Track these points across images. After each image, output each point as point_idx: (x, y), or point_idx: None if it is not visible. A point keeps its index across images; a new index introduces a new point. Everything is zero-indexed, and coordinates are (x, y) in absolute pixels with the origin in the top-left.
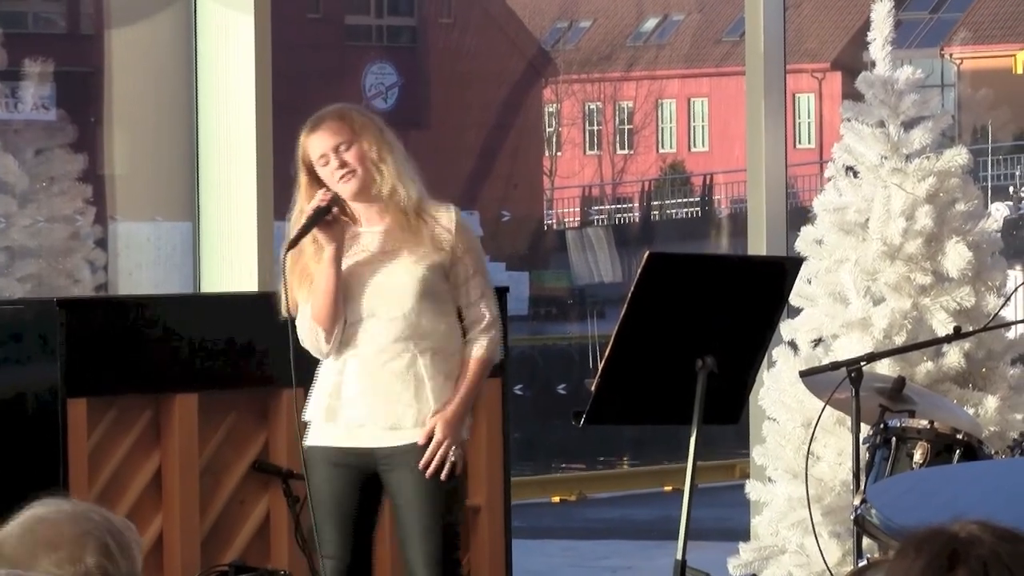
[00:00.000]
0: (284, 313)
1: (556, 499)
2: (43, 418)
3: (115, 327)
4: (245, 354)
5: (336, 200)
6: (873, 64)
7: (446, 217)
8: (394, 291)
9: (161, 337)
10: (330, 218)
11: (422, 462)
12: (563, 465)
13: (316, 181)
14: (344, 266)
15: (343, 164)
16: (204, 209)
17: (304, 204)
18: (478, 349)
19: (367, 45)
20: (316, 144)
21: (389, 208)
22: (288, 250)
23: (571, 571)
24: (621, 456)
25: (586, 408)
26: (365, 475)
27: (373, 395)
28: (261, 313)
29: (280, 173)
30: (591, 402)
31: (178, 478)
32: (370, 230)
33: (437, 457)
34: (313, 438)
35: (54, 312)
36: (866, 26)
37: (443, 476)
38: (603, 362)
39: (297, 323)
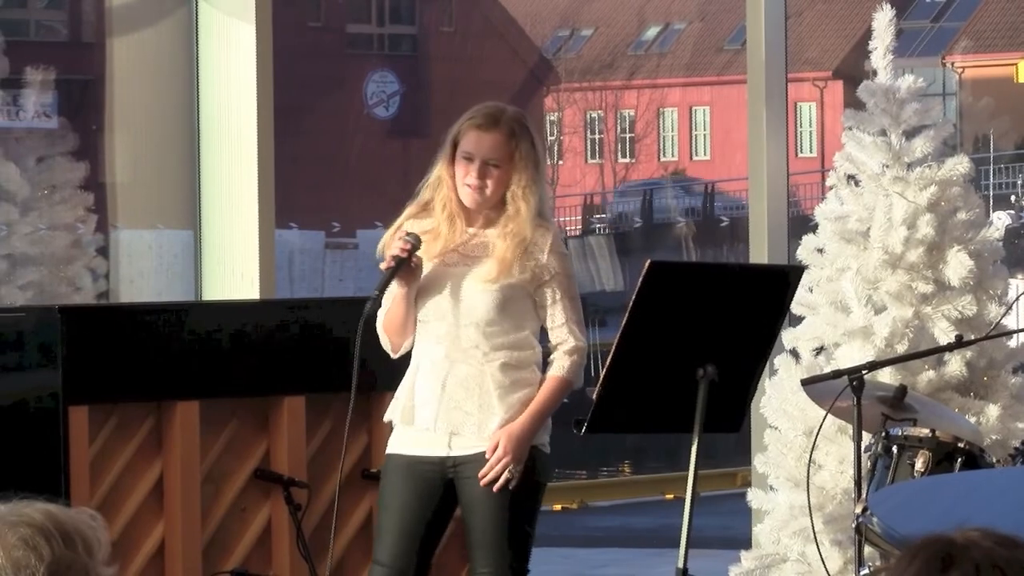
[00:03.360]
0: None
1: (557, 507)
2: (44, 426)
3: (116, 334)
4: (246, 361)
5: (416, 245)
6: (874, 73)
7: (542, 238)
8: (471, 300)
9: (162, 344)
10: (412, 265)
11: (481, 472)
12: (564, 473)
13: (452, 164)
14: (434, 260)
15: (482, 176)
16: (206, 217)
17: (443, 174)
18: (558, 369)
19: (368, 53)
20: (474, 141)
21: (499, 223)
22: (375, 307)
23: None
24: (622, 464)
25: (587, 416)
26: (436, 486)
27: (439, 400)
28: (262, 320)
29: (282, 180)
30: (592, 410)
31: (180, 486)
32: (467, 231)
33: (494, 471)
34: (392, 444)
35: (55, 320)
36: (868, 35)
37: (496, 488)
38: (604, 370)
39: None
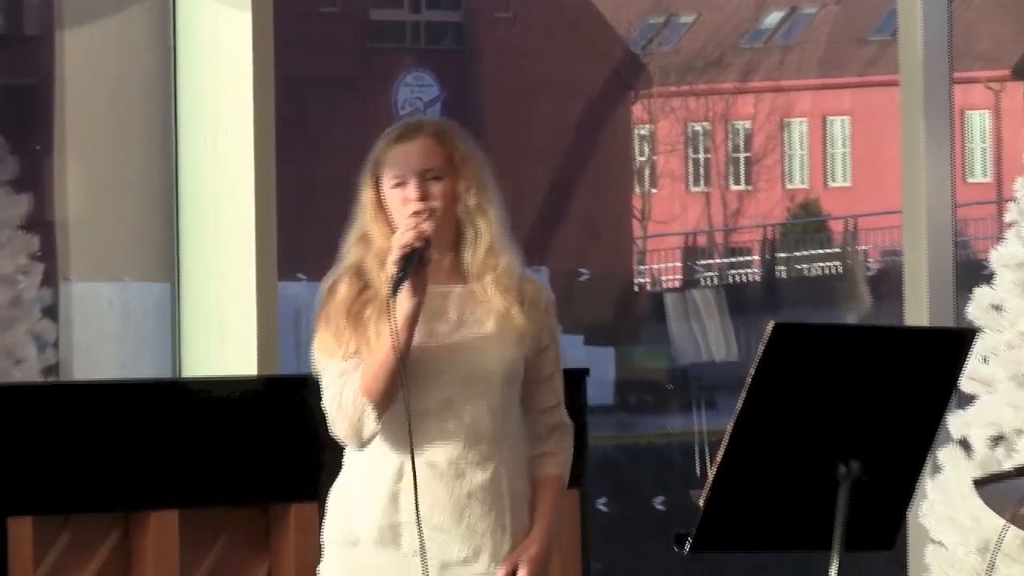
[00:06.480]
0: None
1: None
2: None
3: (69, 422)
4: (241, 458)
5: (427, 243)
6: None
7: (534, 290)
8: (480, 377)
9: (130, 436)
10: (425, 259)
11: None
12: None
13: (382, 207)
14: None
15: (424, 197)
16: (186, 266)
17: (371, 229)
18: (555, 466)
19: (399, 48)
20: (397, 159)
21: (472, 270)
22: (394, 294)
23: None
24: None
25: (692, 529)
26: None
27: (447, 517)
28: (262, 402)
29: (286, 216)
30: (699, 521)
31: None
32: (440, 290)
33: None
34: (352, 569)
35: None
36: None
37: None
38: (714, 468)
39: (327, 388)
